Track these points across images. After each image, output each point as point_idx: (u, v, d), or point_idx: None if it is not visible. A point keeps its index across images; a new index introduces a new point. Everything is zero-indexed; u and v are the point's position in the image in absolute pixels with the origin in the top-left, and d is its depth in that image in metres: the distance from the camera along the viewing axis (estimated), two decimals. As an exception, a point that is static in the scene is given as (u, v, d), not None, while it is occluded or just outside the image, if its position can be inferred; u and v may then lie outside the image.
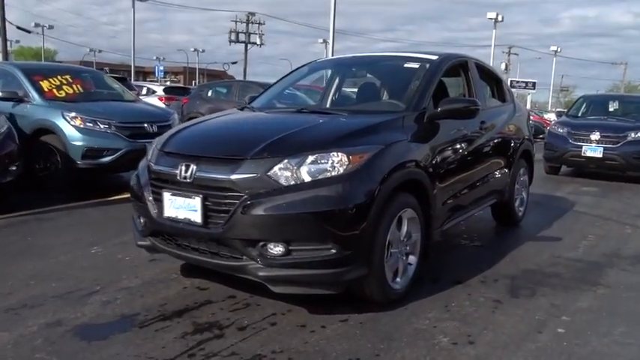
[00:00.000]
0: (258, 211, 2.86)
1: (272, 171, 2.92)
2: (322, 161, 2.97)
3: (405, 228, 3.38)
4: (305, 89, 9.01)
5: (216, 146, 3.28)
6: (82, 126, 6.34)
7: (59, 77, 7.05)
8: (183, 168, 3.11)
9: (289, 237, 2.89)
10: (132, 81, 22.18)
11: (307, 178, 2.92)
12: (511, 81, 33.88)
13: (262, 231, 2.90)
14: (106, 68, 37.60)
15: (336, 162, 2.98)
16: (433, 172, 3.60)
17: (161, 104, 12.16)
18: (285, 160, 2.94)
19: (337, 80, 4.97)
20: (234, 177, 2.94)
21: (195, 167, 3.07)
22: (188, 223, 3.08)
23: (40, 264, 3.89)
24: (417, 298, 3.42)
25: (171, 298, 3.35)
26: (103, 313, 3.11)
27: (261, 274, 2.93)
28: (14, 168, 5.57)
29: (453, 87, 4.81)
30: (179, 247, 3.24)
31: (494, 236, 5.18)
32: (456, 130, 4.02)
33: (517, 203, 5.43)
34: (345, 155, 3.00)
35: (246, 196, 2.90)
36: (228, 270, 3.11)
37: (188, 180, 3.10)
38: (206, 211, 3.02)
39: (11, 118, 6.36)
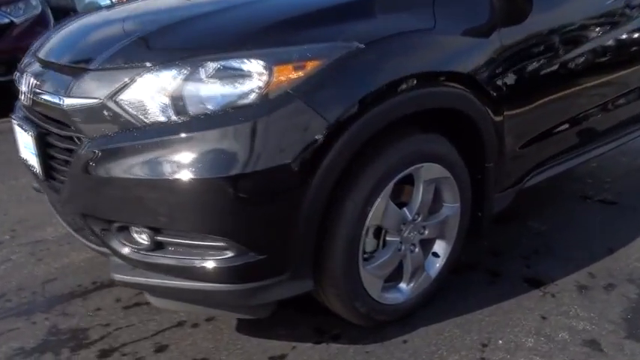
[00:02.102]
0: (100, 169, 1.54)
1: (125, 94, 1.53)
2: (221, 76, 1.49)
3: (419, 197, 1.82)
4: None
5: (70, 48, 1.91)
6: None
7: None
8: (24, 82, 1.86)
9: (155, 221, 1.55)
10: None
11: (189, 110, 1.49)
12: None
13: (109, 206, 1.60)
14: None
15: (250, 77, 1.48)
16: (499, 92, 1.89)
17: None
18: (149, 74, 1.52)
19: None
20: (67, 102, 1.62)
21: (34, 82, 1.80)
22: (37, 174, 1.89)
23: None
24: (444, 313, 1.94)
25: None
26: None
27: (117, 277, 1.67)
28: None
29: None
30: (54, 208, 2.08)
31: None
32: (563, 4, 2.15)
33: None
34: (267, 64, 1.48)
35: (86, 140, 1.58)
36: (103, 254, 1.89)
37: (26, 103, 1.86)
38: (45, 158, 1.78)
39: None
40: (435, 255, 2.00)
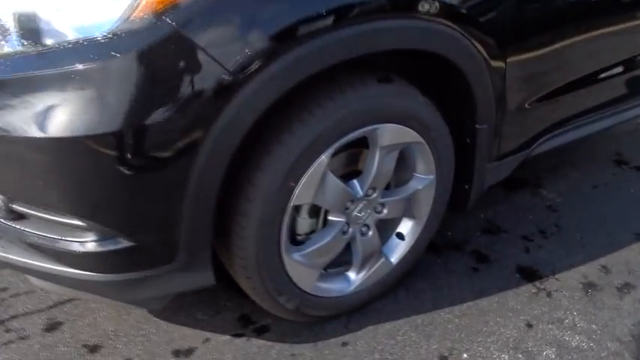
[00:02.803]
0: None
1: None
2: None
3: (373, 167, 1.38)
4: None
5: None
6: None
7: None
8: None
9: (4, 187, 1.19)
10: None
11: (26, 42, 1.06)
12: None
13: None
14: None
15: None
16: (500, 28, 1.38)
17: None
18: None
19: None
20: None
21: None
22: None
23: None
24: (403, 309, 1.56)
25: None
26: None
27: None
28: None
29: None
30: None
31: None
32: None
33: None
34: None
35: None
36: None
37: None
38: None
39: None
40: (400, 237, 1.59)
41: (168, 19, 1.01)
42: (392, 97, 1.32)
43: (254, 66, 1.06)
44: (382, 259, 1.54)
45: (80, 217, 1.11)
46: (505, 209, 2.06)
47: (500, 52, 1.42)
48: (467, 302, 1.62)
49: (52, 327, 1.52)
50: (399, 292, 1.65)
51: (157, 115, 1.03)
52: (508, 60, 1.45)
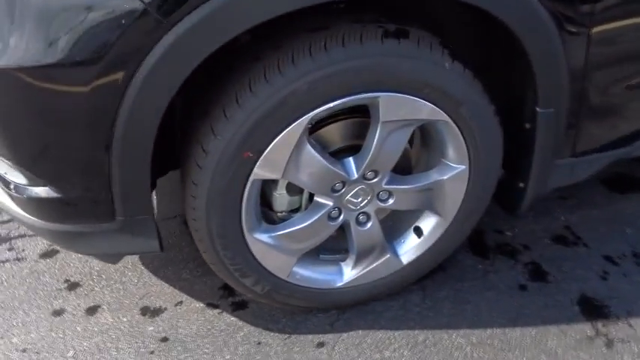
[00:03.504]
0: None
1: None
2: None
3: (372, 145, 1.07)
4: None
5: None
6: None
7: None
8: None
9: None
10: None
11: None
12: None
13: None
14: None
15: None
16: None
17: None
18: None
19: None
20: None
21: None
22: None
23: None
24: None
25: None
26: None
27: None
28: None
29: None
30: None
31: None
32: None
33: None
34: None
35: None
36: None
37: None
38: None
39: None
40: (418, 232, 1.28)
41: None
42: (397, 58, 0.99)
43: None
44: (388, 256, 1.26)
45: (1, 157, 1.01)
46: (598, 216, 1.60)
47: (580, 18, 1.00)
48: (492, 328, 1.28)
49: (48, 254, 1.51)
50: (412, 296, 1.36)
51: (79, 49, 0.86)
52: (593, 31, 1.02)
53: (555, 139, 1.17)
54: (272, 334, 1.28)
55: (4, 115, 0.94)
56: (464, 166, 1.16)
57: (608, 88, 1.13)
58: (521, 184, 1.25)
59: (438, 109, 1.06)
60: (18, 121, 0.94)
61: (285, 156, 1.03)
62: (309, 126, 1.03)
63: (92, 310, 1.34)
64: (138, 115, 0.92)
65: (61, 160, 0.98)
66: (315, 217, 1.15)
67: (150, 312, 1.34)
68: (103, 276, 1.44)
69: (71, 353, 1.24)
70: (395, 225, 1.30)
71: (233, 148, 0.99)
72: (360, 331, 1.29)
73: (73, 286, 1.41)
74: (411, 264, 1.29)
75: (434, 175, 1.18)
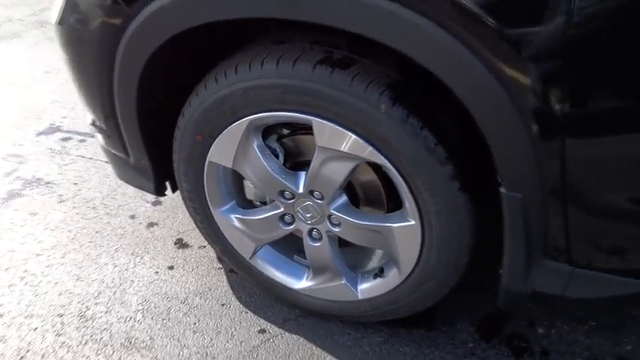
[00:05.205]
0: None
1: None
2: None
3: (315, 167, 1.07)
4: None
5: None
6: None
7: None
8: None
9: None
10: None
11: None
12: None
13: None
14: None
15: None
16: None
17: None
18: None
19: None
20: None
21: None
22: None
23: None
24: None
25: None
26: None
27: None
28: None
29: None
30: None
31: None
32: None
33: None
34: None
35: None
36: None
37: None
38: None
39: None
40: (381, 273, 1.20)
41: None
42: (324, 87, 0.95)
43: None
44: (342, 282, 1.23)
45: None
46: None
47: (553, 118, 0.78)
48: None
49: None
50: (374, 336, 1.30)
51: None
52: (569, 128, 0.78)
53: (531, 233, 0.94)
54: (231, 304, 1.41)
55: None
56: (413, 222, 1.04)
57: (595, 199, 0.84)
58: (501, 272, 1.04)
59: (376, 151, 0.98)
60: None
61: (232, 149, 1.12)
62: (260, 128, 1.10)
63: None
64: (124, 69, 1.11)
65: (90, 100, 1.27)
66: (266, 215, 1.21)
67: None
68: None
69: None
70: (364, 257, 1.25)
71: (189, 129, 1.14)
72: (302, 339, 1.31)
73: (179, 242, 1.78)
74: (368, 301, 1.23)
75: (382, 218, 1.09)
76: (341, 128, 0.98)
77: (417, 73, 0.91)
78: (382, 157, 0.98)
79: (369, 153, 0.99)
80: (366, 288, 1.22)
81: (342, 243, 1.22)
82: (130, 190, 1.83)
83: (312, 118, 1.00)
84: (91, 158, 2.04)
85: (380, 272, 1.21)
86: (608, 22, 0.72)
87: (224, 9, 0.95)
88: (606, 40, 0.72)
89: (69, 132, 2.22)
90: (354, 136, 0.98)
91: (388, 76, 0.95)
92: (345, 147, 1.01)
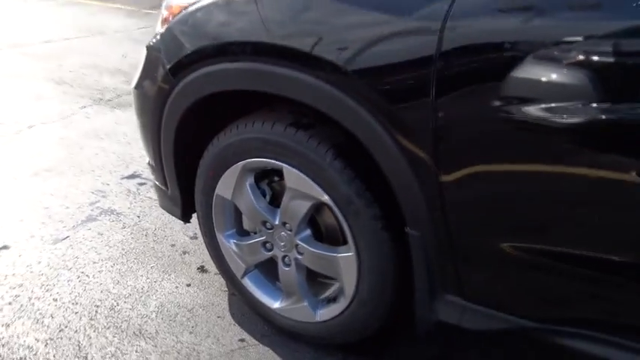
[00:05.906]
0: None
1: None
2: None
3: (286, 202, 1.41)
4: None
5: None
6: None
7: None
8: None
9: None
10: None
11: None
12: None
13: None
14: None
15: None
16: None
17: None
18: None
19: None
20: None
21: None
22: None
23: None
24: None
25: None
26: None
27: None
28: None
29: None
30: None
31: None
32: None
33: None
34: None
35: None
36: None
37: None
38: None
39: None
40: (333, 299, 1.48)
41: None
42: (282, 140, 1.32)
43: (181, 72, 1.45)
44: (304, 304, 1.52)
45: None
46: None
47: (426, 155, 1.09)
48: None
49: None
50: (319, 350, 1.54)
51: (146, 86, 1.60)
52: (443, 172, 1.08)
53: (431, 267, 1.20)
54: (225, 317, 1.72)
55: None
56: (351, 253, 1.33)
57: (478, 230, 1.10)
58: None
59: (324, 193, 1.31)
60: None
61: (231, 185, 1.50)
62: (252, 171, 1.47)
63: (184, 253, 2.08)
64: (167, 123, 1.56)
65: (147, 142, 1.72)
66: (252, 241, 1.55)
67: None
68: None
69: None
70: (326, 285, 1.53)
71: (206, 167, 1.54)
72: (271, 352, 1.58)
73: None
74: (324, 324, 1.50)
75: (332, 249, 1.39)
76: (301, 173, 1.33)
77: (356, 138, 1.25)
78: (328, 198, 1.31)
79: (318, 193, 1.32)
80: (323, 312, 1.50)
81: (313, 273, 1.52)
82: (177, 225, 2.25)
83: (282, 164, 1.36)
84: (155, 199, 2.51)
85: (333, 299, 1.48)
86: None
87: (218, 84, 1.37)
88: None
89: (146, 179, 2.74)
90: (309, 180, 1.32)
91: (336, 138, 1.30)
92: (304, 188, 1.35)
